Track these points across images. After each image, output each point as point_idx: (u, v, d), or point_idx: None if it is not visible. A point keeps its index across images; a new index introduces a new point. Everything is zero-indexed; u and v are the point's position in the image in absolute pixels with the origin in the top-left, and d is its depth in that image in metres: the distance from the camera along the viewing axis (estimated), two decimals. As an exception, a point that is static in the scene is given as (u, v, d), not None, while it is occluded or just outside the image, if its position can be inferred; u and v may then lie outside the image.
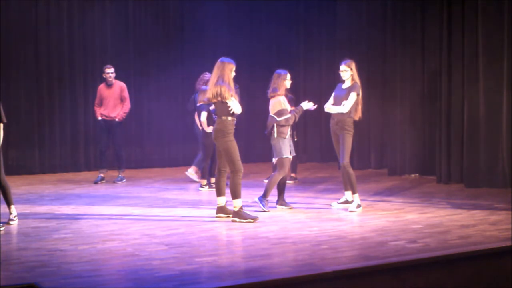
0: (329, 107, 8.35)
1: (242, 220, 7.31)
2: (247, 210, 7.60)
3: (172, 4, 13.57)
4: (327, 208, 8.31)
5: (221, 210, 7.64)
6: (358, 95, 8.20)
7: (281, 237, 6.50)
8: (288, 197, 8.60)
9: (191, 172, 10.92)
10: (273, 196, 8.28)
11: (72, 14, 12.50)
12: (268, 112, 8.24)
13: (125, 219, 7.60)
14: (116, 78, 10.98)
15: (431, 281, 5.46)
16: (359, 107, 8.27)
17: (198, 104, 10.12)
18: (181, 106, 13.37)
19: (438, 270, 5.54)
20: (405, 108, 11.58)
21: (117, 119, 10.86)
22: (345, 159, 8.17)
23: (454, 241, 6.26)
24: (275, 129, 8.10)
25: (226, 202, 7.67)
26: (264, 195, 8.04)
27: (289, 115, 8.10)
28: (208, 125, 9.82)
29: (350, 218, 7.64)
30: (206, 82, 10.18)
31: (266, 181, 9.24)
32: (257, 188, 9.71)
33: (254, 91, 12.72)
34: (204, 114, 9.92)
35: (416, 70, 11.50)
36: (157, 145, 13.50)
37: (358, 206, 8.10)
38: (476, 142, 10.02)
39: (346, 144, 8.16)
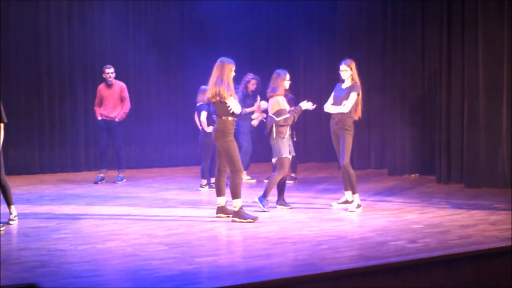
0: (329, 107, 8.35)
1: (242, 220, 7.31)
2: (247, 210, 7.60)
3: (172, 4, 13.57)
4: (327, 208, 8.31)
5: (221, 210, 7.64)
6: (358, 95, 8.20)
7: (281, 237, 6.49)
8: (288, 197, 8.60)
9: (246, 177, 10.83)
10: (273, 196, 8.28)
11: (72, 14, 12.50)
12: (267, 112, 8.25)
13: (125, 219, 7.60)
14: (116, 78, 10.98)
15: (431, 281, 5.47)
16: (359, 107, 8.26)
17: (197, 104, 10.14)
18: (181, 106, 13.40)
19: (438, 270, 5.54)
20: (405, 108, 11.58)
21: (117, 119, 10.86)
22: (345, 159, 8.16)
23: (454, 241, 6.26)
24: (274, 129, 8.10)
25: (226, 202, 7.68)
26: (264, 195, 8.03)
27: (287, 115, 8.09)
28: (208, 125, 9.83)
29: (350, 218, 7.64)
30: (247, 83, 10.39)
31: (266, 181, 9.24)
32: (257, 188, 9.72)
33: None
34: (204, 114, 9.93)
35: (416, 70, 11.50)
36: (157, 145, 13.50)
37: (358, 206, 8.09)
38: (476, 142, 10.02)
39: (346, 144, 8.16)
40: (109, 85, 10.89)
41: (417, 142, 11.53)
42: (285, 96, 8.40)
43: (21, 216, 7.51)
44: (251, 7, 13.81)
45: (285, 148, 8.11)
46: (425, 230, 6.78)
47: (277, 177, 8.09)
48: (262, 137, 9.72)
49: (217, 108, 7.48)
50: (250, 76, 10.58)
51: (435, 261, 5.53)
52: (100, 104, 10.96)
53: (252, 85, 10.58)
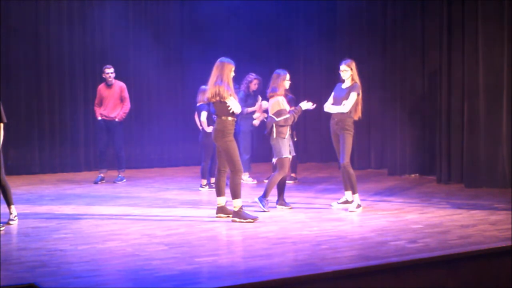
0: (329, 107, 8.35)
1: (242, 220, 7.31)
2: (247, 210, 7.60)
3: (172, 4, 13.57)
4: (327, 208, 8.31)
5: (221, 210, 7.64)
6: (358, 95, 8.20)
7: (281, 237, 6.50)
8: (288, 197, 8.60)
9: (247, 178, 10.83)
10: (273, 196, 8.28)
11: (72, 14, 12.50)
12: (267, 112, 8.25)
13: (125, 219, 7.60)
14: (116, 78, 10.98)
15: (431, 281, 5.47)
16: (359, 107, 8.26)
17: (197, 104, 10.15)
18: (181, 106, 13.40)
19: (438, 270, 5.54)
20: (405, 108, 11.58)
21: (117, 119, 10.86)
22: (345, 159, 8.16)
23: (454, 241, 6.26)
24: (274, 129, 8.10)
25: (226, 202, 7.68)
26: (264, 195, 8.04)
27: (288, 115, 8.09)
28: (208, 125, 9.84)
29: (350, 218, 7.64)
30: (249, 83, 10.48)
31: (267, 181, 9.24)
32: (257, 188, 9.72)
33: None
34: (204, 114, 9.94)
35: (416, 70, 11.50)
36: (157, 145, 13.49)
37: (358, 206, 8.09)
38: (476, 142, 10.02)
39: (347, 144, 8.16)
40: (109, 85, 10.89)
41: (417, 142, 11.54)
42: (285, 96, 8.40)
43: (21, 216, 7.51)
44: (251, 7, 13.79)
45: (285, 148, 8.11)
46: (425, 230, 6.78)
47: (277, 177, 8.09)
48: (262, 137, 9.71)
49: (217, 108, 7.48)
50: (252, 76, 10.65)
51: (435, 261, 5.53)
52: (100, 104, 10.96)
53: (254, 85, 10.65)
